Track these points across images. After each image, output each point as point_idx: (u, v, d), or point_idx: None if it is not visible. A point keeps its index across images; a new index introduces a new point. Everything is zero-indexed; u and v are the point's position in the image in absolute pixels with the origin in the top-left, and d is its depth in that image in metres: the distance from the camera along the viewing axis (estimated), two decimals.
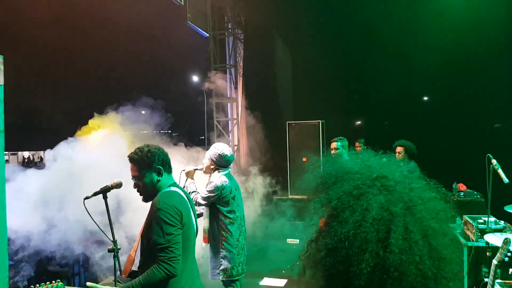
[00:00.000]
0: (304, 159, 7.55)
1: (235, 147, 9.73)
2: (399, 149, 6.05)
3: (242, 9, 9.76)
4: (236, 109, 9.86)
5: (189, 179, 3.87)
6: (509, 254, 2.88)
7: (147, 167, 2.47)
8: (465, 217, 4.91)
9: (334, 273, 0.84)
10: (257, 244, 7.20)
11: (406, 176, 0.94)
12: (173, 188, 2.53)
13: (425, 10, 7.54)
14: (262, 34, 9.26)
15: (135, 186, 2.54)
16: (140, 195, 2.55)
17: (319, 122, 8.32)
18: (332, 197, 0.90)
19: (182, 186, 3.83)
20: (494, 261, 2.93)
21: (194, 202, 3.71)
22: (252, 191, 7.48)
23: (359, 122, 9.33)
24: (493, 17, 7.63)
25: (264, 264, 6.24)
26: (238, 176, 7.02)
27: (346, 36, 8.41)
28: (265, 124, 8.94)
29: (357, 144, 7.56)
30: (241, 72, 9.92)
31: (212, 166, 3.79)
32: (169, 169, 2.58)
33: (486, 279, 3.98)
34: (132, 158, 2.50)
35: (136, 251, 2.60)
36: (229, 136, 9.63)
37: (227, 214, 3.69)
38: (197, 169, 3.92)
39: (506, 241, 2.88)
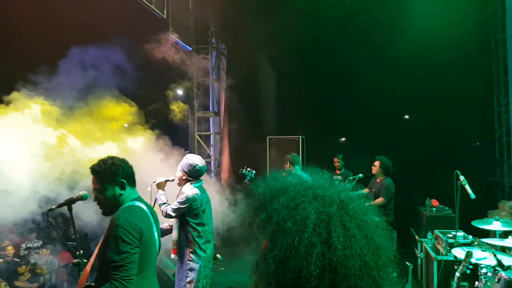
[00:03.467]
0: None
1: (216, 161, 9.75)
2: (375, 163, 6.29)
3: (226, 25, 9.90)
4: (218, 123, 9.91)
5: (160, 191, 3.85)
6: (470, 266, 2.99)
7: (110, 180, 2.38)
8: (436, 231, 5.04)
9: (286, 282, 0.88)
10: (237, 258, 7.20)
11: (331, 183, 1.03)
12: (136, 203, 2.44)
13: (406, 31, 7.75)
14: (245, 49, 9.37)
15: (96, 199, 2.45)
16: (100, 208, 2.46)
17: (299, 137, 8.44)
18: (272, 213, 0.96)
19: (154, 199, 3.83)
20: (457, 274, 3.03)
21: (164, 214, 3.67)
22: (232, 205, 7.50)
23: (339, 139, 9.47)
24: (468, 40, 7.95)
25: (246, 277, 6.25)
26: (222, 189, 7.02)
27: (328, 53, 8.58)
28: (247, 138, 9.01)
29: (336, 160, 7.67)
30: (224, 86, 10.01)
31: (184, 177, 3.78)
32: (133, 183, 2.49)
33: None
34: (94, 170, 2.41)
35: (92, 264, 2.51)
36: (210, 150, 9.65)
37: (196, 227, 3.67)
38: (168, 180, 3.91)
39: (468, 254, 2.99)
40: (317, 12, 8.09)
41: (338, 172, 7.64)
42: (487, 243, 4.29)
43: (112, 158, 2.47)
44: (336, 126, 8.96)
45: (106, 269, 2.22)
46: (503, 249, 4.43)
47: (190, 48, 9.18)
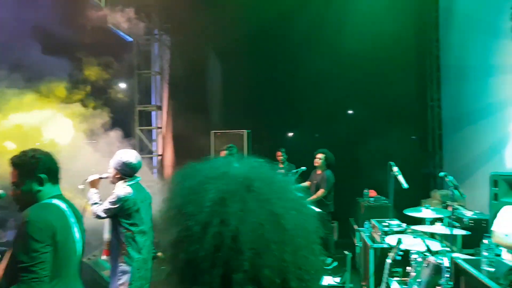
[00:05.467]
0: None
1: (159, 157, 9.47)
2: (319, 155, 6.43)
3: (169, 16, 9.61)
4: (161, 118, 9.62)
5: (92, 189, 3.59)
6: (401, 253, 3.10)
7: (28, 174, 2.22)
8: (373, 221, 5.22)
9: (181, 265, 0.83)
10: None
11: (247, 161, 0.96)
12: (54, 201, 2.26)
13: (348, 28, 7.95)
14: (190, 42, 9.16)
15: (13, 193, 2.27)
16: (17, 204, 2.29)
17: (244, 131, 8.39)
18: (174, 198, 0.91)
19: (87, 198, 3.57)
20: (388, 260, 3.13)
21: (94, 216, 3.45)
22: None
23: (284, 133, 9.55)
24: (405, 38, 8.34)
25: None
26: (164, 186, 6.79)
27: (274, 48, 8.61)
28: (191, 133, 8.81)
29: (278, 153, 7.72)
30: (167, 79, 9.72)
31: (117, 176, 3.55)
32: (54, 179, 2.33)
33: (390, 279, 4.23)
34: (13, 162, 2.25)
35: (5, 268, 2.28)
36: (152, 146, 9.35)
37: (129, 227, 3.44)
38: (102, 178, 3.66)
39: (398, 241, 3.09)
40: (263, 6, 8.08)
41: (281, 165, 7.70)
42: (419, 230, 4.49)
43: (34, 150, 2.28)
44: (281, 120, 9.03)
45: (16, 270, 2.02)
46: (433, 235, 4.66)
47: (131, 39, 8.83)
